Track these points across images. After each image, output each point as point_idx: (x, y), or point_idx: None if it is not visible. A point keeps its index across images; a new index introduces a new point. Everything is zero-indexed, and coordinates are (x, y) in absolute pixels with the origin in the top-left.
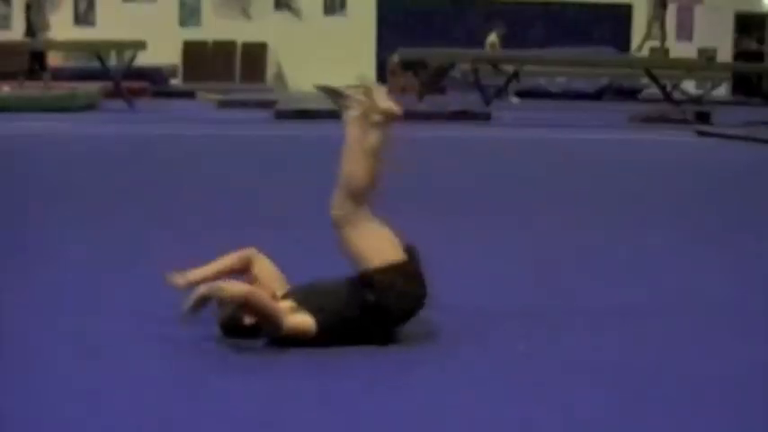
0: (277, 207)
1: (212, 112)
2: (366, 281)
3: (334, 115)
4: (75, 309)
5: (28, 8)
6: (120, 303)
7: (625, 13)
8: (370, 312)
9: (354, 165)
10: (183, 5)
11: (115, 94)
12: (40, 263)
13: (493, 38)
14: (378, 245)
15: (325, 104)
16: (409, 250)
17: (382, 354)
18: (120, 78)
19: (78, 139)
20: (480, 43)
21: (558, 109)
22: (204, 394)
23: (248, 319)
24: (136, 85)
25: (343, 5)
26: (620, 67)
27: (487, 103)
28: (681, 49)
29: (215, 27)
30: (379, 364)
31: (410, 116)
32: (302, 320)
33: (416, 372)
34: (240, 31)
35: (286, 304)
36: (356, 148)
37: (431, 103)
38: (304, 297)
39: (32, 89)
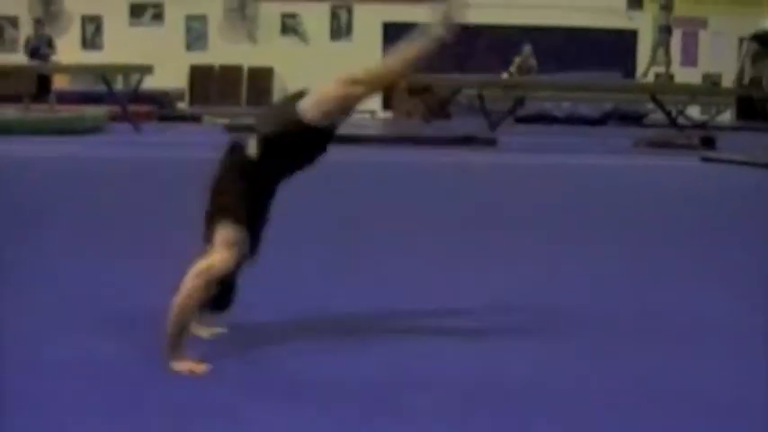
0: (278, 229)
1: (219, 136)
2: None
3: (342, 140)
4: (76, 326)
5: (35, 30)
6: (121, 324)
7: (630, 39)
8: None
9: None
10: (189, 30)
11: (122, 117)
12: (40, 281)
13: (517, 62)
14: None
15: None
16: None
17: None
18: (127, 102)
19: (84, 162)
20: (485, 69)
21: (564, 134)
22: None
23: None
24: (142, 108)
25: (349, 31)
26: (625, 92)
27: (493, 128)
28: (685, 75)
29: (221, 51)
30: None
31: (416, 141)
32: (211, 262)
33: None
34: (246, 56)
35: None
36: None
37: (437, 128)
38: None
39: (38, 112)
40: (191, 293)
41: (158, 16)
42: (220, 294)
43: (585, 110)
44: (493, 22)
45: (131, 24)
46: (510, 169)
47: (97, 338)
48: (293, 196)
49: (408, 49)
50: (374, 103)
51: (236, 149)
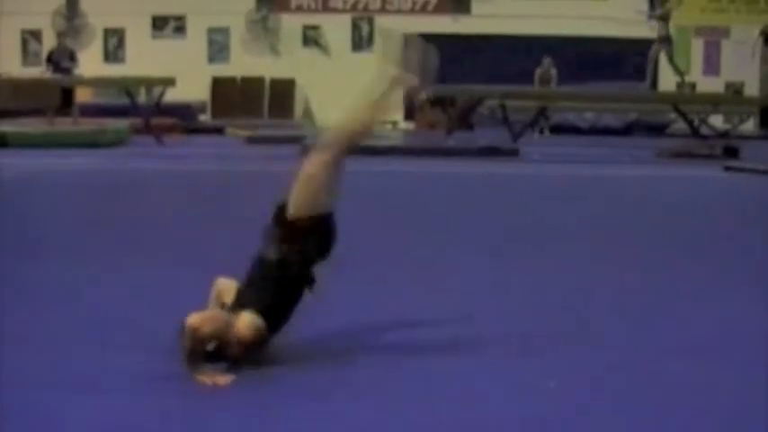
0: None
1: (241, 148)
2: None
3: (365, 151)
4: (98, 341)
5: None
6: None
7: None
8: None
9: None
10: (211, 42)
11: (144, 130)
12: (65, 296)
13: (538, 74)
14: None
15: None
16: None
17: None
18: (150, 115)
19: (107, 175)
20: (505, 79)
21: (587, 144)
22: None
23: (211, 345)
24: (165, 121)
25: (370, 42)
26: (647, 102)
27: (515, 138)
28: (708, 84)
29: (243, 63)
30: None
31: (438, 152)
32: (245, 324)
33: None
34: (268, 68)
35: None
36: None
37: (459, 138)
38: (247, 296)
39: (61, 125)
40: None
41: (180, 29)
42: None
43: (609, 120)
44: (514, 33)
45: (154, 37)
46: (532, 180)
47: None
48: None
49: (368, 107)
50: (396, 113)
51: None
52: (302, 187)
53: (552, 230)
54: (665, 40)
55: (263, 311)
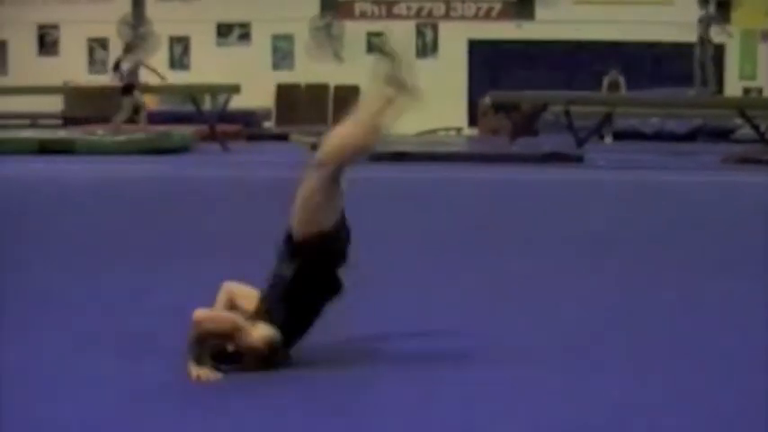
0: (368, 251)
1: (305, 155)
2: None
3: (429, 158)
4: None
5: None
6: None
7: (719, 53)
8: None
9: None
10: (276, 49)
11: (210, 137)
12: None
13: (606, 81)
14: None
15: (420, 147)
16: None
17: None
18: (215, 121)
19: (173, 182)
20: (569, 84)
21: (651, 150)
22: None
23: (230, 347)
24: (230, 128)
25: (435, 48)
26: (712, 107)
27: (580, 144)
28: None
29: (308, 70)
30: None
31: (502, 158)
32: (260, 335)
33: None
34: (332, 74)
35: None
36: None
37: (523, 145)
38: (268, 308)
39: (127, 132)
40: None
41: (245, 36)
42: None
43: (673, 126)
44: (578, 38)
45: (218, 44)
46: (596, 186)
47: None
48: (374, 215)
49: (366, 116)
50: (460, 119)
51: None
52: (302, 208)
53: (619, 236)
54: (704, 42)
55: (281, 326)
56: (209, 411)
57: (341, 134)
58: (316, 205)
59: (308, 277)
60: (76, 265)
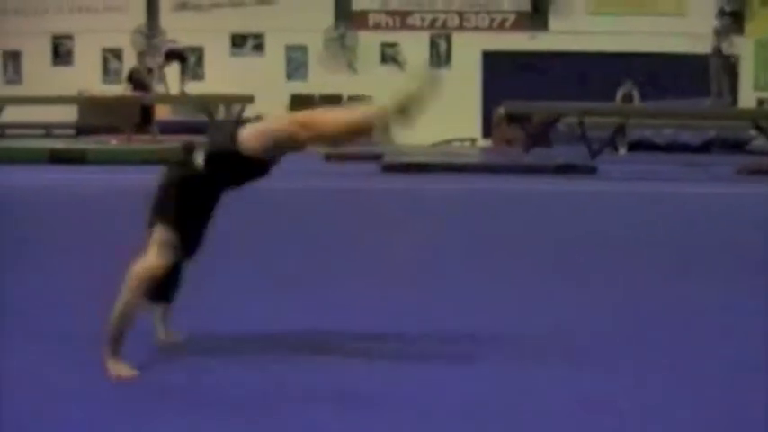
0: (381, 260)
1: (319, 165)
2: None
3: (443, 168)
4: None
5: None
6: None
7: (733, 64)
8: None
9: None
10: (290, 59)
11: None
12: None
13: (621, 94)
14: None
15: (434, 158)
16: None
17: None
18: None
19: None
20: (583, 95)
21: (665, 161)
22: None
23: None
24: None
25: (448, 59)
26: (726, 118)
27: (593, 156)
28: None
29: (321, 81)
30: None
31: (515, 169)
32: (144, 264)
33: None
34: (346, 85)
35: None
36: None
37: (537, 156)
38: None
39: (140, 142)
40: (127, 297)
41: (259, 47)
42: (161, 287)
43: (687, 137)
44: (592, 49)
45: (232, 55)
46: (609, 198)
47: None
48: (388, 225)
49: (354, 115)
50: (474, 130)
51: (184, 161)
52: (269, 132)
53: (633, 247)
54: (717, 53)
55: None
56: (210, 411)
57: (321, 116)
58: (270, 141)
59: (217, 176)
60: (87, 273)
